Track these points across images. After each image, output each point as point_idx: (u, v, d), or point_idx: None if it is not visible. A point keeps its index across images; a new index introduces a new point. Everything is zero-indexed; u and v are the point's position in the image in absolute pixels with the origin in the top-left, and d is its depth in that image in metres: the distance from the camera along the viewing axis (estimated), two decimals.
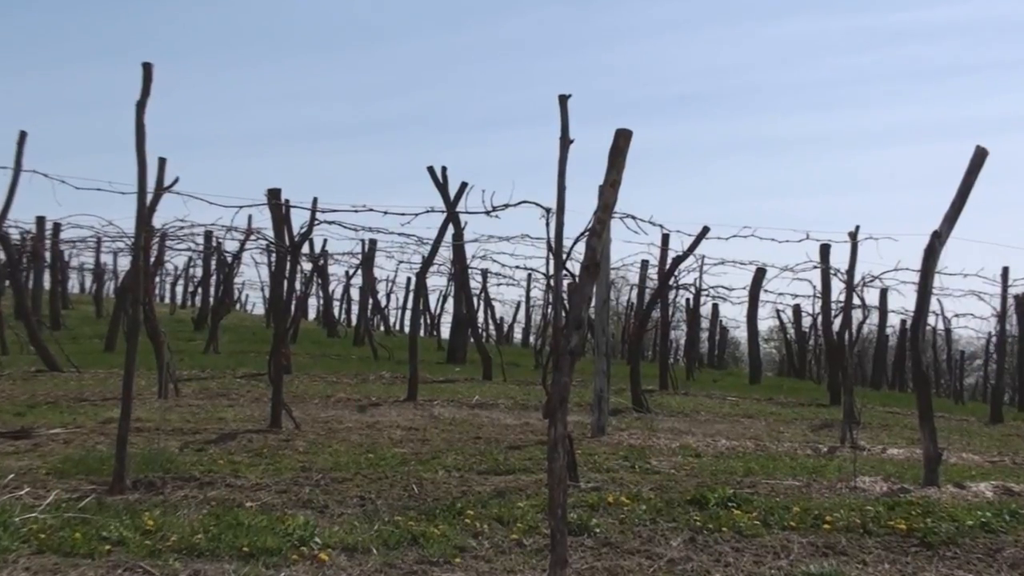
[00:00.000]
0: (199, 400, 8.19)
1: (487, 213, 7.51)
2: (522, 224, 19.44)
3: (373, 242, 16.20)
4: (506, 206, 7.47)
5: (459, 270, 12.98)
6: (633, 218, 8.02)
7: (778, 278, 13.68)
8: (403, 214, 7.41)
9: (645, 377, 11.83)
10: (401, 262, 17.61)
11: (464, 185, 9.82)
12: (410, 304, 25.30)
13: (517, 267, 15.25)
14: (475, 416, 8.19)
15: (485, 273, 18.71)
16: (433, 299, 22.54)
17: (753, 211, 58.50)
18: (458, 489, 4.79)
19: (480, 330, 17.76)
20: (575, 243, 6.59)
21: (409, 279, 25.03)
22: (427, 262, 10.36)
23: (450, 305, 18.66)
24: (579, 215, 6.13)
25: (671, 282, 11.83)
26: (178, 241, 12.69)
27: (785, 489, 5.20)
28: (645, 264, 15.21)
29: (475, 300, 17.50)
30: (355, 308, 21.98)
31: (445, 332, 19.61)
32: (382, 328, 22.97)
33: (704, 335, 22.33)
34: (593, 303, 7.42)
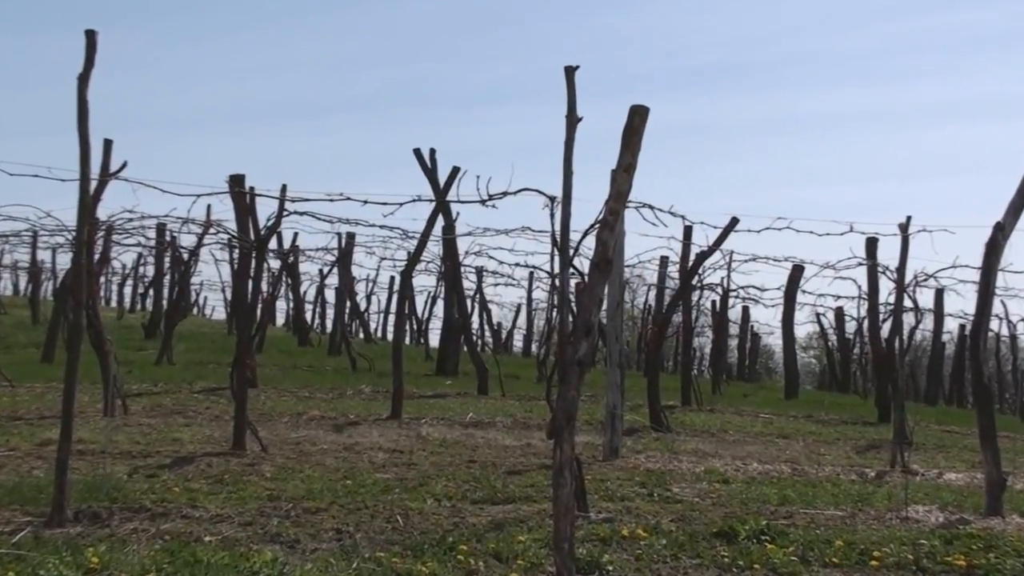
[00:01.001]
0: (151, 418, 8.19)
1: (482, 202, 7.52)
2: (523, 215, 19.49)
3: (351, 236, 16.22)
4: (504, 194, 7.48)
5: (450, 268, 12.98)
6: (651, 208, 8.03)
7: (818, 277, 13.71)
8: (386, 204, 7.42)
9: (665, 391, 11.83)
10: (383, 259, 17.58)
11: (456, 170, 9.82)
12: (394, 307, 25.30)
13: (517, 265, 15.15)
14: (469, 437, 8.19)
15: (480, 271, 18.74)
16: (420, 301, 22.54)
17: (788, 200, 58.61)
18: (449, 521, 4.79)
19: (475, 337, 17.80)
20: (584, 237, 6.59)
21: (393, 278, 25.10)
22: (413, 259, 10.37)
23: (440, 308, 18.66)
24: (588, 204, 6.13)
25: (694, 282, 11.84)
26: (127, 235, 12.74)
27: (826, 520, 5.21)
28: (664, 261, 15.21)
29: (469, 303, 17.49)
30: (330, 312, 22.05)
31: (434, 340, 19.63)
32: (361, 335, 22.97)
33: (733, 343, 22.39)
34: (605, 306, 7.43)
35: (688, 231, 10.85)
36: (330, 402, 10.06)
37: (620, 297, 7.70)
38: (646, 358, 17.94)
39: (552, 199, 7.14)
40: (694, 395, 12.15)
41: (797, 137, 71.70)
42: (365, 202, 7.32)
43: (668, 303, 11.88)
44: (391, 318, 25.18)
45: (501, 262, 15.52)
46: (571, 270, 6.50)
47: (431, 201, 9.30)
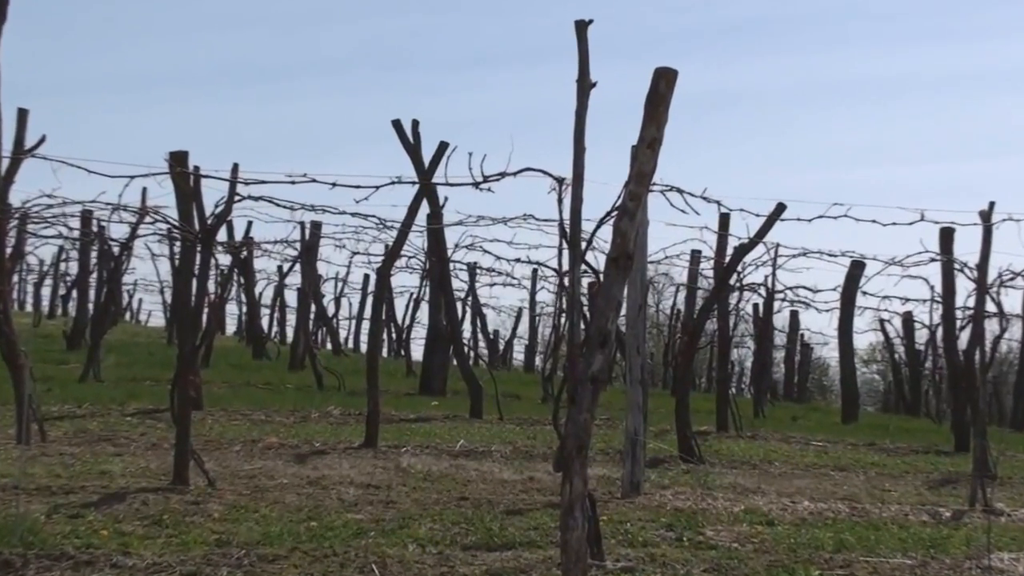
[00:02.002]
0: (74, 447, 8.18)
1: (476, 185, 7.51)
2: (525, 201, 19.41)
3: (317, 226, 16.23)
4: (502, 175, 7.46)
5: (437, 265, 12.99)
6: (679, 192, 8.04)
7: (882, 275, 13.63)
8: (359, 187, 7.42)
9: (697, 413, 11.83)
10: (356, 253, 17.53)
11: (443, 146, 9.82)
12: (368, 312, 25.31)
13: (518, 261, 15.17)
14: (459, 469, 8.20)
15: (473, 269, 18.76)
16: (400, 305, 22.61)
17: (845, 182, 58.49)
18: (436, 571, 4.79)
19: (466, 348, 17.81)
20: (599, 227, 6.60)
21: (367, 277, 25.17)
22: (392, 253, 10.37)
23: (424, 314, 18.69)
24: (604, 188, 6.12)
25: (733, 281, 11.84)
26: (45, 225, 12.73)
27: (892, 570, 5.21)
28: (696, 256, 15.24)
29: (459, 306, 17.52)
30: (291, 318, 22.08)
31: (417, 352, 19.65)
32: (329, 346, 23.01)
33: (779, 355, 22.41)
34: (624, 310, 7.43)
35: (725, 220, 10.86)
36: (291, 427, 10.06)
37: (642, 299, 7.70)
38: (674, 373, 17.97)
39: (560, 181, 7.14)
40: (732, 418, 12.16)
41: (855, 106, 71.59)
42: (334, 185, 7.32)
43: (701, 307, 11.89)
44: (365, 325, 25.24)
45: (498, 257, 15.49)
46: (583, 267, 6.50)
47: (413, 183, 9.29)
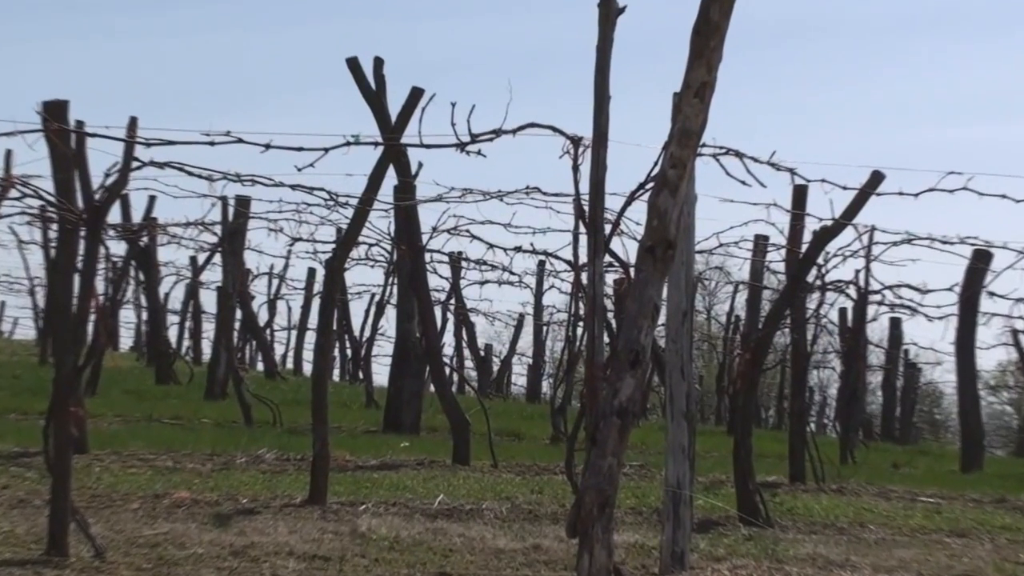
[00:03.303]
0: None
1: (461, 147, 7.52)
2: (528, 170, 19.46)
3: (244, 203, 16.21)
4: (497, 133, 7.46)
5: (408, 256, 12.97)
6: (739, 156, 8.05)
7: (1016, 269, 13.63)
8: (301, 149, 7.43)
9: (763, 459, 11.80)
10: (297, 240, 17.56)
11: (417, 94, 9.80)
12: (314, 320, 25.12)
13: (518, 250, 15.12)
14: (438, 534, 8.18)
15: (458, 262, 18.77)
16: (358, 310, 22.60)
17: (962, 143, 58.53)
18: None
19: (448, 369, 17.80)
20: (628, 204, 6.59)
21: (313, 273, 25.19)
22: (347, 241, 10.34)
23: (391, 322, 18.65)
24: (636, 151, 6.07)
25: (812, 278, 11.82)
26: None
27: None
28: (762, 244, 15.21)
29: (439, 312, 17.52)
30: (209, 327, 22.10)
31: (381, 374, 19.66)
32: (261, 366, 23.01)
33: (875, 378, 22.42)
34: (663, 317, 7.42)
35: (801, 194, 10.85)
36: (209, 477, 10.05)
37: (688, 303, 7.69)
38: (731, 404, 17.90)
39: (576, 142, 7.14)
40: (811, 465, 12.14)
41: (975, 41, 71.52)
42: (267, 146, 7.33)
43: (768, 313, 11.87)
44: (310, 337, 25.24)
45: (492, 246, 15.49)
46: (607, 259, 6.49)
47: (376, 144, 9.27)
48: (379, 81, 10.29)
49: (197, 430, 13.19)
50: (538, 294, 22.68)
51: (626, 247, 8.79)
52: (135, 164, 7.28)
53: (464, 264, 19.13)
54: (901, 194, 9.48)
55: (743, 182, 8.16)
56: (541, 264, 20.93)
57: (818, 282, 12.65)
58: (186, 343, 25.23)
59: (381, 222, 15.50)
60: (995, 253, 14.97)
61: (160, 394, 16.88)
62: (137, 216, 18.62)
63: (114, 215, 15.93)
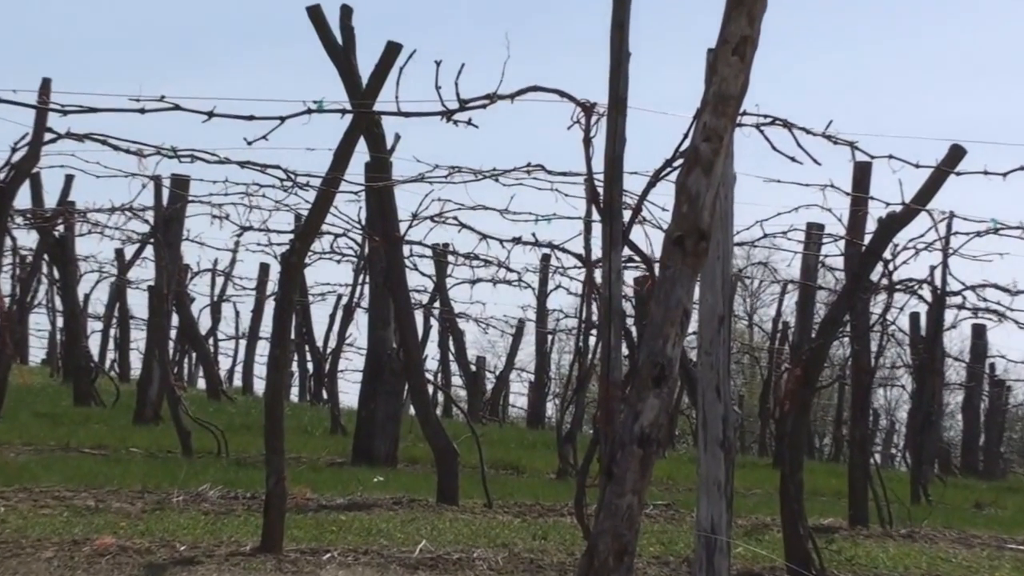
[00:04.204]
0: None
1: (448, 116, 7.50)
2: (529, 143, 19.45)
3: (182, 183, 16.19)
4: (491, 99, 7.44)
5: (383, 249, 12.96)
6: (788, 127, 8.04)
7: None
8: (251, 118, 7.41)
9: (817, 498, 11.73)
10: (247, 229, 17.58)
11: (394, 50, 9.78)
12: (267, 328, 24.96)
13: (517, 242, 15.11)
14: None
15: (442, 255, 18.75)
16: (321, 315, 22.59)
17: None
18: None
19: (433, 387, 17.73)
20: (652, 185, 6.56)
21: (266, 269, 25.15)
22: (307, 230, 10.33)
23: (361, 330, 18.63)
24: (661, 121, 6.06)
25: (877, 275, 11.81)
26: None
27: None
28: (816, 234, 15.23)
29: (420, 317, 17.49)
30: (139, 336, 22.11)
31: (350, 393, 19.64)
32: (202, 382, 22.96)
33: (954, 399, 22.35)
34: (695, 324, 7.42)
35: (863, 173, 10.86)
36: (139, 518, 10.04)
37: (726, 307, 7.68)
38: (777, 430, 17.82)
39: (588, 109, 7.14)
40: (876, 505, 12.15)
41: None
42: (210, 114, 7.32)
43: (823, 319, 11.86)
44: (262, 348, 25.13)
45: (485, 236, 15.47)
46: (626, 252, 6.48)
47: (343, 112, 9.27)
48: (347, 34, 10.27)
49: (125, 462, 13.17)
50: (541, 296, 22.68)
51: (649, 238, 8.72)
52: (48, 136, 7.28)
53: (451, 259, 19.11)
54: (986, 173, 9.48)
55: (793, 158, 8.16)
56: (545, 259, 20.92)
57: (884, 281, 12.62)
58: (111, 355, 25.23)
59: (350, 207, 15.57)
60: None
61: (79, 418, 16.84)
62: (51, 200, 18.62)
63: (22, 199, 15.91)
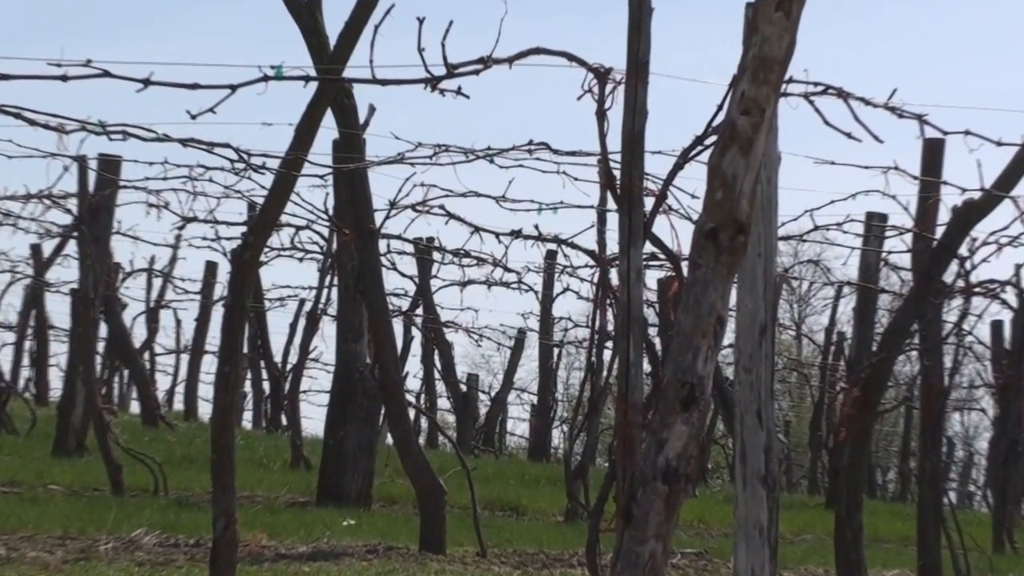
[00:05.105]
0: None
1: (432, 85, 7.52)
2: (531, 117, 19.49)
3: (111, 165, 16.22)
4: (486, 64, 7.45)
5: (353, 244, 13.00)
6: (843, 97, 8.07)
7: None
8: (196, 86, 7.44)
9: (879, 543, 11.70)
10: (190, 221, 17.59)
11: (368, 5, 9.82)
12: (214, 339, 24.81)
13: (516, 236, 15.14)
14: None
15: (427, 252, 18.78)
16: (280, 324, 22.64)
17: None
18: None
19: (414, 411, 17.73)
20: (679, 168, 6.55)
21: (213, 268, 25.11)
22: (263, 221, 10.36)
23: (329, 343, 18.66)
24: (690, 89, 6.06)
25: (951, 276, 11.84)
26: None
27: None
28: (877, 225, 15.26)
29: (399, 328, 17.51)
30: (59, 349, 22.10)
31: (315, 419, 19.66)
32: (136, 406, 22.96)
33: None
34: (730, 334, 7.45)
35: (934, 153, 10.90)
36: (60, 570, 10.05)
37: (769, 315, 7.71)
38: (832, 463, 17.77)
39: (602, 76, 7.17)
40: (951, 554, 12.18)
41: None
42: (146, 82, 7.34)
43: (886, 329, 11.88)
44: (208, 363, 25.10)
45: (477, 229, 15.53)
46: (648, 248, 6.51)
47: (306, 81, 9.31)
48: None
49: (43, 501, 13.18)
50: (545, 301, 22.71)
51: (676, 231, 8.79)
52: None
53: (437, 256, 19.14)
54: None
55: (849, 135, 8.18)
56: (550, 256, 20.95)
57: (960, 282, 12.67)
58: (25, 373, 25.28)
59: (315, 195, 15.51)
60: None
61: None
62: None
63: None
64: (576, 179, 11.87)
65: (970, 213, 10.08)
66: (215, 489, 9.34)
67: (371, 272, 12.80)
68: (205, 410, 24.52)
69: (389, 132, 12.46)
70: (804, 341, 26.51)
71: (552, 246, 17.54)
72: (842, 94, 8.10)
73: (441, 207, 14.43)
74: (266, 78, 7.80)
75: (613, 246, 7.58)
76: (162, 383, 27.49)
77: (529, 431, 26.13)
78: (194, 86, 7.58)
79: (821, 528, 13.05)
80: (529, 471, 20.16)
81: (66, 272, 21.13)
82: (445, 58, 7.46)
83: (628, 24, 5.97)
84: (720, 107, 5.75)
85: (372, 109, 11.32)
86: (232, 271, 10.44)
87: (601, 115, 7.22)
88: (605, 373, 13.49)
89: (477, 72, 7.62)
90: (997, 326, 17.97)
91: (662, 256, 7.56)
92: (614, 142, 6.36)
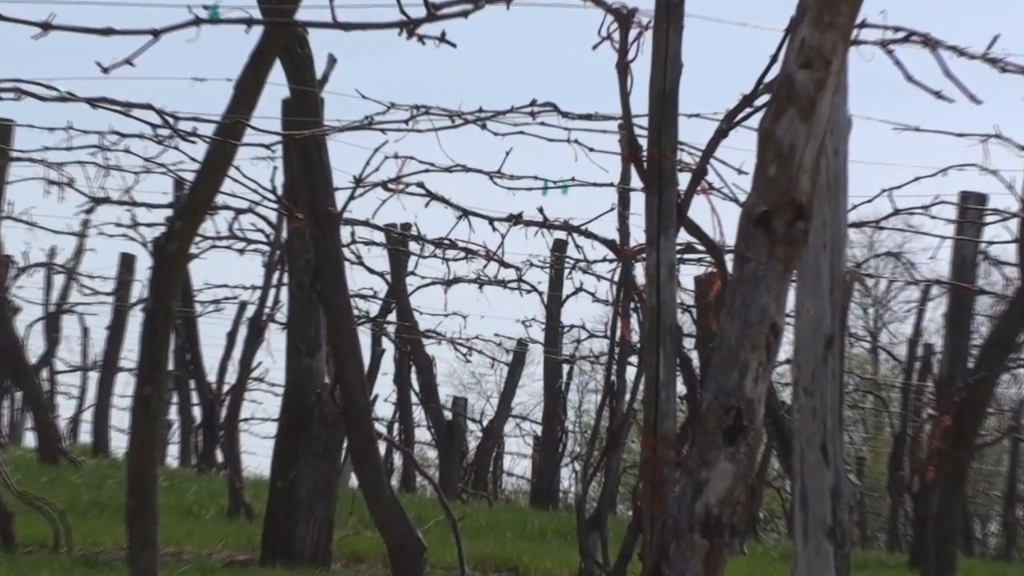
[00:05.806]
0: None
1: (410, 30, 7.55)
2: (533, 73, 19.56)
3: (3, 132, 16.27)
4: (476, 4, 7.43)
5: (310, 231, 13.04)
6: (930, 46, 8.11)
7: None
8: (109, 32, 7.46)
9: None
10: (101, 202, 17.68)
11: None
12: (131, 352, 24.69)
13: (516, 222, 15.22)
14: None
15: (402, 240, 18.83)
16: (216, 333, 22.74)
17: None
18: None
19: (386, 444, 17.77)
20: (721, 136, 6.57)
21: (130, 261, 25.20)
22: (193, 204, 10.42)
23: (277, 358, 18.73)
24: (732, 37, 6.04)
25: None
26: None
27: None
28: (974, 210, 15.35)
29: (365, 339, 17.55)
30: None
31: (259, 455, 19.70)
32: (32, 438, 23.08)
33: None
34: (786, 346, 7.47)
35: None
36: None
37: (837, 322, 7.74)
38: (917, 510, 17.87)
39: (625, 18, 7.19)
40: None
41: None
42: (46, 26, 7.37)
43: (985, 342, 11.93)
44: (123, 384, 25.13)
45: (466, 213, 15.58)
46: (682, 236, 6.54)
47: (248, 24, 9.35)
48: None
49: None
50: (552, 304, 22.78)
51: (718, 215, 8.85)
52: None
53: (415, 247, 19.22)
54: None
55: (938, 94, 8.21)
56: (559, 248, 20.98)
57: None
58: None
59: (259, 169, 15.58)
60: None
61: None
62: None
63: None
64: (591, 149, 11.92)
65: None
66: (132, 544, 9.36)
67: (331, 267, 12.81)
68: (119, 443, 24.61)
69: (354, 90, 12.52)
70: (882, 356, 26.57)
71: (561, 235, 17.58)
72: (929, 42, 8.12)
73: (420, 185, 14.44)
74: (198, 21, 7.82)
75: (638, 235, 7.59)
76: (65, 408, 27.58)
77: (532, 470, 26.25)
78: (107, 31, 7.61)
79: None
80: (532, 521, 20.26)
81: None
82: None
83: None
84: (774, 58, 5.78)
85: (332, 60, 11.36)
86: (154, 266, 10.44)
87: (623, 68, 7.25)
88: (628, 396, 13.61)
89: (466, 14, 7.64)
90: None
91: (700, 247, 7.59)
92: (639, 103, 6.39)
